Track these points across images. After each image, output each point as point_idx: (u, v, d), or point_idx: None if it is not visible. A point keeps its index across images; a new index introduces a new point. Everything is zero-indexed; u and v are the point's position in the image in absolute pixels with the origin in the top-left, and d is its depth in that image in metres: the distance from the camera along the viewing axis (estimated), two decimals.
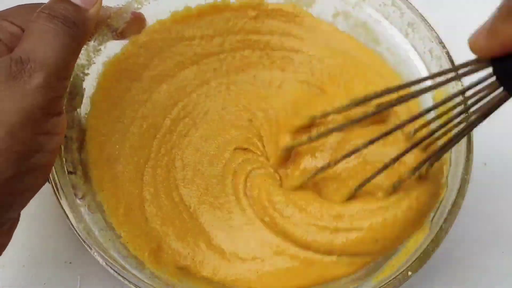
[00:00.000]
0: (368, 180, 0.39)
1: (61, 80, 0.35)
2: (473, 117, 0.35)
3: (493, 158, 0.54)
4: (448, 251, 0.50)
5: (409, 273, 0.37)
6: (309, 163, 0.43)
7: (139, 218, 0.43)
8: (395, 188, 0.40)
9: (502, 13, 0.27)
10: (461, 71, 0.33)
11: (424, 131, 0.40)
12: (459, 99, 0.37)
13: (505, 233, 0.51)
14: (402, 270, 0.37)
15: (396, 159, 0.38)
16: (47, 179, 0.37)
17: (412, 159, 0.40)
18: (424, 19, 0.45)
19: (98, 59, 0.43)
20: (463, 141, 0.41)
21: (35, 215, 0.48)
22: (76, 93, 0.42)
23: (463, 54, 0.47)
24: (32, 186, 0.35)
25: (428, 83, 0.37)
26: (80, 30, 0.36)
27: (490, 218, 0.52)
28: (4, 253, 0.45)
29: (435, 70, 0.45)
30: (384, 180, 0.40)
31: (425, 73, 0.46)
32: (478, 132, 0.52)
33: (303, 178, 0.43)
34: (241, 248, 0.43)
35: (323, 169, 0.41)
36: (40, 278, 0.46)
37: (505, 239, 0.51)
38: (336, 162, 0.40)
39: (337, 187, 0.42)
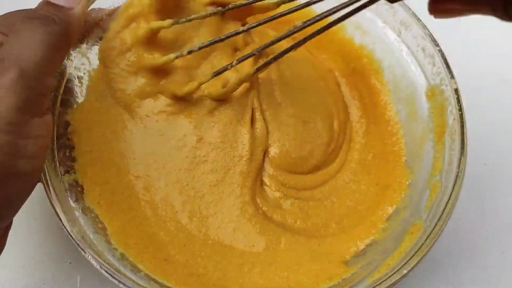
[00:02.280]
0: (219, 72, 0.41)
1: (40, 77, 0.33)
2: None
3: (493, 158, 0.54)
4: (448, 250, 0.50)
5: (404, 271, 0.37)
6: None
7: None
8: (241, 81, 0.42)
9: None
10: None
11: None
12: None
13: (504, 232, 0.51)
14: (397, 268, 0.37)
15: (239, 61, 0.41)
16: (35, 185, 0.35)
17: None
18: (416, 18, 0.45)
19: (92, 61, 0.42)
20: (457, 138, 0.42)
21: (35, 215, 0.48)
22: (70, 96, 0.42)
23: (456, 53, 0.47)
24: (20, 194, 0.34)
25: None
26: (61, 27, 0.35)
27: (490, 218, 0.52)
28: (4, 253, 0.45)
29: (428, 68, 0.45)
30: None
31: (418, 72, 0.46)
32: (478, 132, 0.52)
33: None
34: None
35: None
36: (40, 278, 0.46)
37: (504, 238, 0.51)
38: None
39: None
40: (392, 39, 0.47)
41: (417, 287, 0.48)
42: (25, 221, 0.47)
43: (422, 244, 0.38)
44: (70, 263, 0.47)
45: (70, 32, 0.36)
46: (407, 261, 0.37)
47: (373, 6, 0.46)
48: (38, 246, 0.47)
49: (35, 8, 0.35)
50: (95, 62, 0.43)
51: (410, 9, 0.46)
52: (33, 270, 0.46)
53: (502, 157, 0.55)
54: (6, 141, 0.31)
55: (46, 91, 0.34)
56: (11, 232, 0.46)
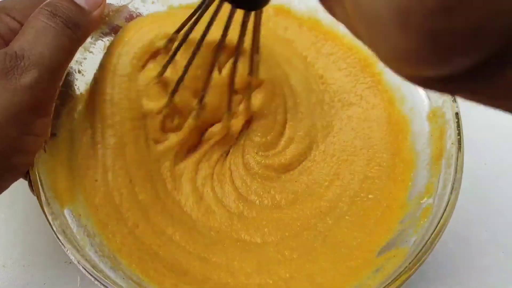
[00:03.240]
0: None
1: (53, 82, 0.34)
2: None
3: (493, 158, 0.54)
4: (447, 251, 0.49)
5: None
6: None
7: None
8: None
9: None
10: None
11: None
12: None
13: (505, 233, 0.51)
14: None
15: None
16: (18, 179, 0.36)
17: None
18: None
19: (94, 56, 0.42)
20: (453, 163, 0.41)
21: (35, 215, 0.48)
22: (69, 88, 0.42)
23: None
24: (5, 185, 0.35)
25: None
26: (80, 32, 0.35)
27: (490, 218, 0.51)
28: (4, 253, 0.45)
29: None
30: None
31: (422, 92, 0.46)
32: (478, 132, 0.52)
33: None
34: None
35: None
36: (40, 278, 0.46)
37: (505, 239, 0.51)
38: None
39: None
40: None
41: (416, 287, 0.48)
42: (25, 221, 0.48)
43: (406, 268, 0.37)
44: (70, 263, 0.47)
45: (86, 37, 0.37)
46: (388, 284, 0.36)
47: None
48: (38, 246, 0.47)
49: (55, 1, 0.35)
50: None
51: None
52: (33, 270, 0.47)
53: (502, 157, 0.54)
54: (14, 137, 0.32)
55: (54, 94, 0.35)
56: (11, 232, 0.47)
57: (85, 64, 0.43)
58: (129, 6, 0.44)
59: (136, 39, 0.42)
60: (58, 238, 0.36)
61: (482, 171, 0.53)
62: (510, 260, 0.50)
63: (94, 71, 0.42)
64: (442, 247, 0.50)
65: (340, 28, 0.50)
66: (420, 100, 0.46)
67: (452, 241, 0.50)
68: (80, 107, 0.42)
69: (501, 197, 0.52)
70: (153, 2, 0.46)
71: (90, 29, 0.37)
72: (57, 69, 0.34)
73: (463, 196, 0.51)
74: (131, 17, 0.44)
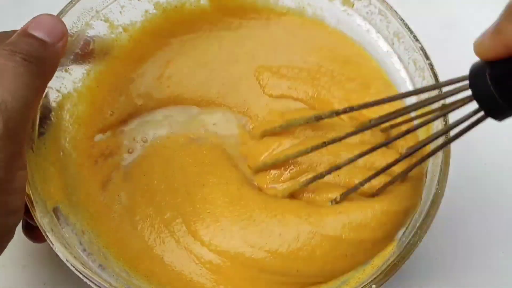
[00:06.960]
0: (357, 187, 0.40)
1: (24, 127, 0.31)
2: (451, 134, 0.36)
3: (493, 158, 0.54)
4: (447, 251, 0.49)
5: (373, 286, 0.36)
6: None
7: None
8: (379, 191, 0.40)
9: (506, 12, 0.26)
10: (445, 88, 0.34)
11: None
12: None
13: (504, 233, 0.51)
14: (366, 283, 0.36)
15: (387, 167, 0.38)
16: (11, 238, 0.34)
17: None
18: (409, 30, 0.44)
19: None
20: (441, 154, 0.40)
21: None
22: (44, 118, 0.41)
23: (446, 67, 0.46)
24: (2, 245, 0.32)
25: (413, 99, 0.42)
26: (45, 66, 0.32)
27: (490, 218, 0.51)
28: (4, 253, 0.46)
29: (418, 80, 0.44)
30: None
31: (409, 84, 0.45)
32: (478, 133, 0.51)
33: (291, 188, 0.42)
34: None
35: (315, 178, 0.40)
36: (40, 278, 0.47)
37: (505, 239, 0.50)
38: (329, 172, 0.40)
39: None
40: (385, 50, 0.47)
41: (416, 287, 0.48)
42: (25, 221, 0.48)
43: (394, 260, 0.37)
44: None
45: (52, 70, 0.34)
46: (377, 276, 0.36)
47: (365, 14, 0.46)
48: (38, 246, 0.47)
49: (17, 38, 0.32)
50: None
51: (403, 20, 0.44)
52: (33, 270, 0.47)
53: (502, 157, 0.54)
54: None
55: (25, 140, 0.32)
56: None
57: (62, 83, 0.42)
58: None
59: None
60: (46, 236, 0.36)
61: (482, 171, 0.53)
62: (510, 260, 0.49)
63: (81, 69, 0.43)
64: (442, 247, 0.49)
65: None
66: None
67: (452, 241, 0.50)
68: (68, 105, 0.43)
69: (501, 197, 0.52)
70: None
71: (56, 61, 0.34)
72: (25, 111, 0.30)
73: (463, 196, 0.51)
74: (86, 44, 0.42)
